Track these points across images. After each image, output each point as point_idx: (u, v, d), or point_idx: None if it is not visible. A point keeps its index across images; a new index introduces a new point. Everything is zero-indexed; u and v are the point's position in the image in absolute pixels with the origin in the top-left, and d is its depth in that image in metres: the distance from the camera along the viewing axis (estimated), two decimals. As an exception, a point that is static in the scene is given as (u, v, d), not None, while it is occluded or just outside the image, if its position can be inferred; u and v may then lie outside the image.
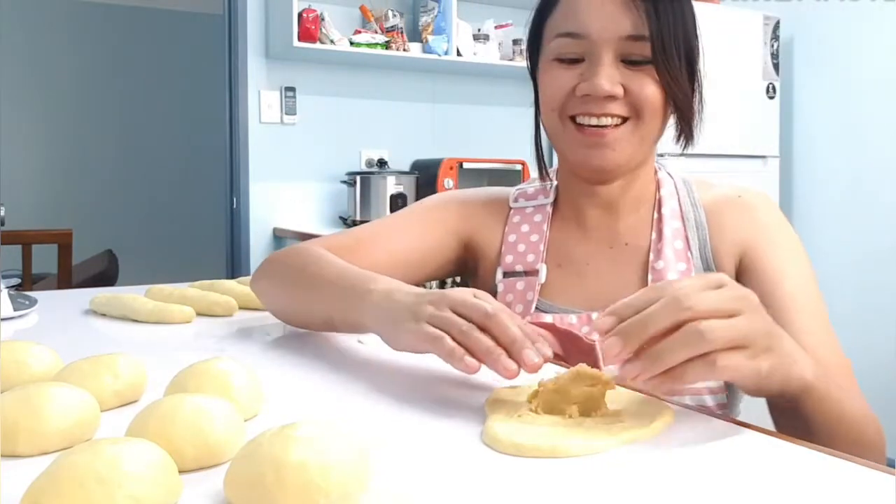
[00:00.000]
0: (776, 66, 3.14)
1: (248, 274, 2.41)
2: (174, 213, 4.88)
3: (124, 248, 3.73)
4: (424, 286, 0.81)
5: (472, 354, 0.59)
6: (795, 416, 0.65)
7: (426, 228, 0.95)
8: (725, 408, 0.84)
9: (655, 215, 0.89)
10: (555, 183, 0.96)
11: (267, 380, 0.63)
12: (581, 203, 0.92)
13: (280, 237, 2.91)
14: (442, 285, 2.11)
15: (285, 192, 2.97)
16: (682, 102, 0.83)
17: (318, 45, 2.77)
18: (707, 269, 0.86)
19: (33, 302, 1.06)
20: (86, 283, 2.74)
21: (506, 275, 0.91)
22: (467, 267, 0.99)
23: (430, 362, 0.71)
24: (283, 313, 0.90)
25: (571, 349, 0.81)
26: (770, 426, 0.63)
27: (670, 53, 0.80)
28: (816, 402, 0.63)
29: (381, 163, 3.05)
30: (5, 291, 1.02)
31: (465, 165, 2.91)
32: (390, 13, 2.98)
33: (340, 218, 2.98)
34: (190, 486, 0.44)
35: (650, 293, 0.55)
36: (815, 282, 0.84)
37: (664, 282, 0.58)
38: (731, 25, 3.03)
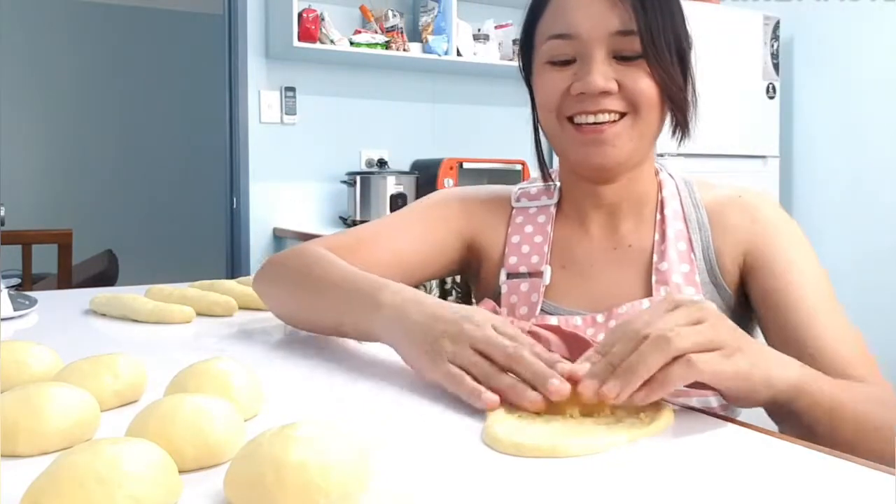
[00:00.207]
0: (776, 66, 3.14)
1: (248, 274, 2.41)
2: (174, 213, 4.88)
3: (124, 248, 3.73)
4: (424, 286, 0.81)
5: (494, 391, 0.60)
6: (795, 423, 0.65)
7: (428, 228, 0.95)
8: (728, 408, 0.84)
9: (658, 216, 0.89)
10: (558, 184, 0.96)
11: (267, 380, 0.63)
12: (584, 204, 0.92)
13: (280, 237, 2.91)
14: (442, 284, 2.11)
15: (285, 192, 2.97)
16: (675, 95, 0.84)
17: (318, 45, 2.77)
18: (710, 270, 0.86)
19: (33, 302, 1.06)
20: (86, 283, 2.74)
21: (509, 276, 0.91)
22: (470, 267, 0.99)
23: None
24: (290, 317, 0.90)
25: (576, 351, 0.81)
26: (770, 426, 0.63)
27: (660, 46, 0.81)
28: (809, 403, 0.63)
29: (381, 163, 3.05)
30: (5, 291, 1.02)
31: (465, 165, 2.91)
32: (390, 13, 2.98)
33: (340, 218, 2.98)
34: (190, 486, 0.44)
35: (610, 336, 0.59)
36: (826, 276, 0.83)
37: (622, 322, 0.60)
38: (731, 25, 3.03)
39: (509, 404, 0.59)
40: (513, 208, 0.97)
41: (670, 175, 0.94)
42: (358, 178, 2.84)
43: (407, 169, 3.06)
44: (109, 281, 2.98)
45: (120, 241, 3.91)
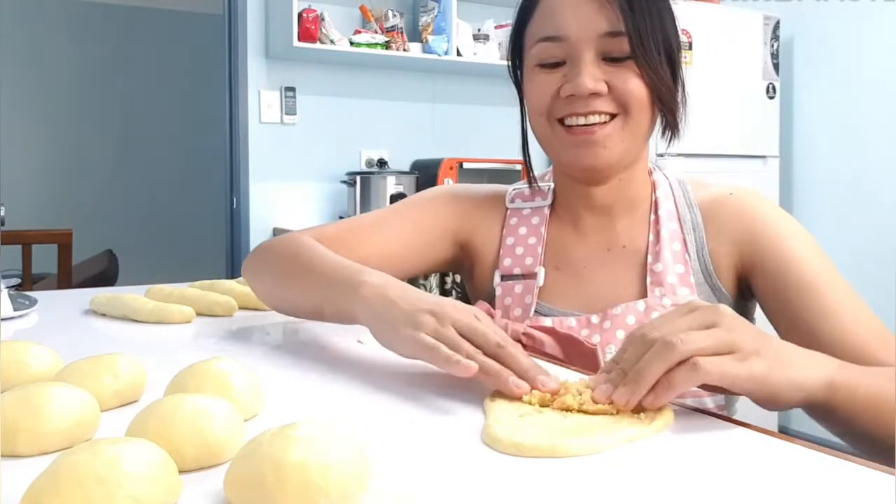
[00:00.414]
0: (776, 66, 3.14)
1: (248, 274, 2.40)
2: (174, 213, 4.88)
3: (124, 248, 3.73)
4: (418, 284, 0.81)
5: (479, 372, 0.60)
6: (834, 420, 0.63)
7: (420, 223, 0.95)
8: (724, 409, 0.84)
9: (652, 217, 0.89)
10: (552, 184, 0.96)
11: (267, 380, 0.63)
12: (577, 205, 0.91)
13: (280, 237, 2.90)
14: (442, 284, 2.11)
15: (285, 192, 2.97)
16: (664, 95, 0.83)
17: (318, 45, 2.77)
18: (705, 270, 0.86)
19: (33, 302, 1.06)
20: (86, 283, 2.74)
21: (503, 278, 0.91)
22: (462, 266, 0.99)
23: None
24: (273, 300, 0.90)
25: (572, 352, 0.81)
26: (770, 426, 0.63)
27: (649, 47, 0.81)
28: (845, 399, 0.60)
29: (381, 163, 3.05)
30: (5, 291, 1.02)
31: (465, 165, 2.91)
32: (390, 13, 2.98)
33: (340, 218, 2.97)
34: (190, 486, 0.44)
35: (624, 342, 0.60)
36: (830, 262, 0.81)
37: (637, 328, 0.60)
38: (731, 25, 3.03)
39: (510, 399, 0.59)
40: (507, 209, 0.96)
41: (664, 175, 0.93)
42: (358, 178, 2.84)
43: (407, 169, 3.06)
44: (109, 281, 2.98)
45: (120, 241, 3.91)
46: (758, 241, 0.84)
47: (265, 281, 0.91)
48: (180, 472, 0.43)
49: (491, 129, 3.30)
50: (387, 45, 2.91)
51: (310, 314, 0.84)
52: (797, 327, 0.78)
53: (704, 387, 0.58)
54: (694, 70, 2.81)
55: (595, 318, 0.85)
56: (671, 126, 0.87)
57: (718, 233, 0.87)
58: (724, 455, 0.51)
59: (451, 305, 0.66)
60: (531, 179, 0.95)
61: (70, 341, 0.89)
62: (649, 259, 0.87)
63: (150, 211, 4.83)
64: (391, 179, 2.82)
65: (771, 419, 3.10)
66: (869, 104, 3.02)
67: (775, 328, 0.82)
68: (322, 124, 3.02)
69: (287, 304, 0.88)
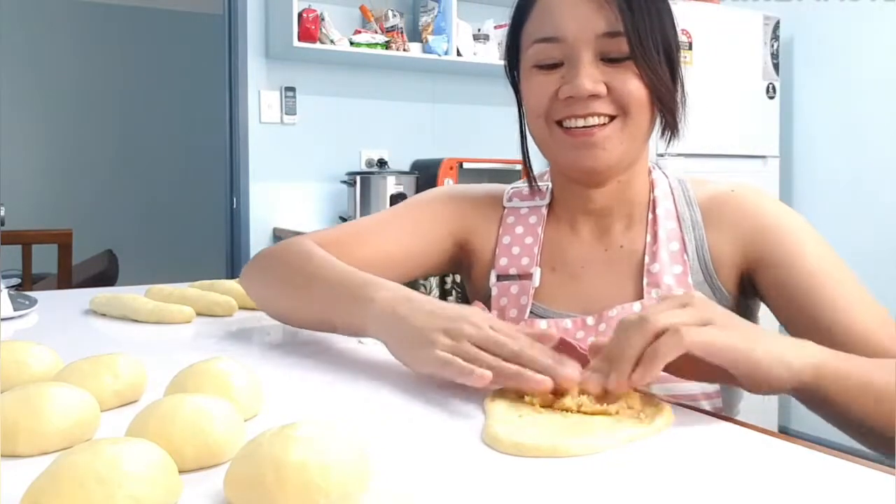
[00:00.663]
0: (776, 66, 3.14)
1: (248, 274, 2.40)
2: (174, 213, 4.88)
3: (124, 248, 3.73)
4: (418, 284, 0.81)
5: (498, 378, 0.61)
6: (829, 409, 0.62)
7: (419, 226, 0.95)
8: (722, 412, 0.83)
9: (650, 216, 0.88)
10: (549, 184, 0.95)
11: (267, 380, 0.63)
12: (575, 207, 0.90)
13: (280, 237, 2.91)
14: (442, 284, 2.11)
15: (285, 192, 2.97)
16: (664, 96, 0.82)
17: (318, 45, 2.77)
18: (704, 269, 0.85)
19: (33, 302, 1.06)
20: (86, 283, 2.74)
21: (499, 278, 0.90)
22: (461, 266, 0.98)
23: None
24: (278, 311, 0.89)
25: (565, 356, 0.81)
26: (770, 426, 0.63)
27: (648, 47, 0.79)
28: (835, 384, 0.60)
29: (381, 163, 3.05)
30: (5, 291, 1.02)
31: (465, 165, 2.91)
32: (390, 13, 2.98)
33: (340, 218, 2.98)
34: (190, 486, 0.44)
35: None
36: (836, 255, 0.81)
37: (624, 317, 0.61)
38: (731, 25, 3.03)
39: (510, 399, 0.59)
40: (504, 208, 0.96)
41: (663, 173, 0.92)
42: (358, 178, 2.84)
43: (407, 169, 3.06)
44: (109, 281, 2.98)
45: (120, 241, 3.91)
46: (763, 237, 0.82)
47: (268, 290, 0.90)
48: (180, 472, 0.43)
49: (491, 129, 3.30)
50: (387, 45, 2.91)
51: (320, 326, 0.83)
52: (804, 321, 0.77)
53: (693, 374, 0.59)
54: (694, 70, 2.81)
55: (591, 321, 0.84)
56: (671, 126, 0.86)
57: (720, 230, 0.86)
58: (724, 455, 0.51)
59: (464, 320, 0.66)
60: (531, 179, 0.94)
61: (70, 341, 0.89)
62: (646, 260, 0.86)
63: (150, 211, 4.83)
64: (391, 179, 2.82)
65: (771, 419, 3.10)
66: (869, 104, 3.02)
67: (782, 324, 0.81)
68: (322, 124, 3.02)
69: (292, 315, 0.86)
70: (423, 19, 3.04)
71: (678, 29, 0.85)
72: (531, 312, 0.87)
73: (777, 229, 0.82)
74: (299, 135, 2.98)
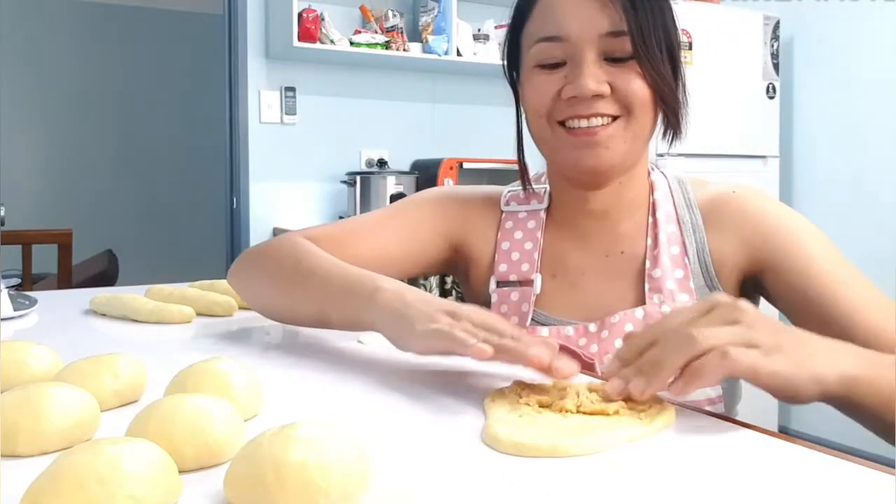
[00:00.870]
0: (776, 66, 3.14)
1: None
2: (174, 213, 4.88)
3: (124, 248, 3.73)
4: (418, 284, 0.81)
5: (497, 354, 0.61)
6: (861, 414, 0.61)
7: (414, 226, 0.94)
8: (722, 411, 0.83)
9: (650, 220, 0.87)
10: (547, 187, 0.94)
11: (267, 380, 0.63)
12: (574, 210, 0.89)
13: (280, 237, 2.91)
14: (442, 284, 2.11)
15: (285, 192, 2.97)
16: (667, 95, 0.81)
17: (318, 45, 2.77)
18: (705, 272, 0.84)
19: (33, 302, 1.06)
20: (86, 283, 2.74)
21: (499, 284, 0.90)
22: (457, 269, 0.97)
23: (430, 362, 0.71)
24: (268, 307, 0.88)
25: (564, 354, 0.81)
26: (770, 426, 0.63)
27: (651, 46, 0.79)
28: (868, 392, 0.58)
29: (381, 163, 3.05)
30: (5, 291, 1.02)
31: (465, 165, 2.91)
32: (390, 13, 2.98)
33: (340, 218, 2.98)
34: (190, 486, 0.44)
35: (648, 335, 0.59)
36: (840, 252, 0.80)
37: (653, 323, 0.60)
38: (731, 25, 3.03)
39: (510, 399, 0.59)
40: (502, 212, 0.95)
41: (663, 174, 0.91)
42: (358, 178, 2.84)
43: (407, 169, 3.06)
44: (109, 281, 2.98)
45: (120, 241, 3.91)
46: (767, 240, 0.82)
47: (259, 286, 0.89)
48: (180, 472, 0.43)
49: (491, 129, 3.30)
50: (387, 45, 2.91)
51: (312, 321, 0.82)
52: (817, 322, 0.76)
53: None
54: (694, 70, 2.81)
55: (593, 327, 0.83)
56: (673, 127, 0.85)
57: (721, 233, 0.85)
58: (724, 455, 0.51)
59: (468, 307, 0.67)
60: (525, 182, 0.93)
61: (70, 341, 0.89)
62: (647, 264, 0.85)
63: (150, 211, 4.83)
64: (391, 179, 2.82)
65: (771, 419, 3.10)
66: (869, 104, 3.02)
67: (795, 325, 0.80)
68: (322, 124, 3.02)
69: (285, 311, 0.86)
70: (423, 19, 3.04)
71: (679, 28, 0.85)
72: (532, 319, 0.86)
73: (782, 232, 0.82)
74: (299, 135, 2.98)
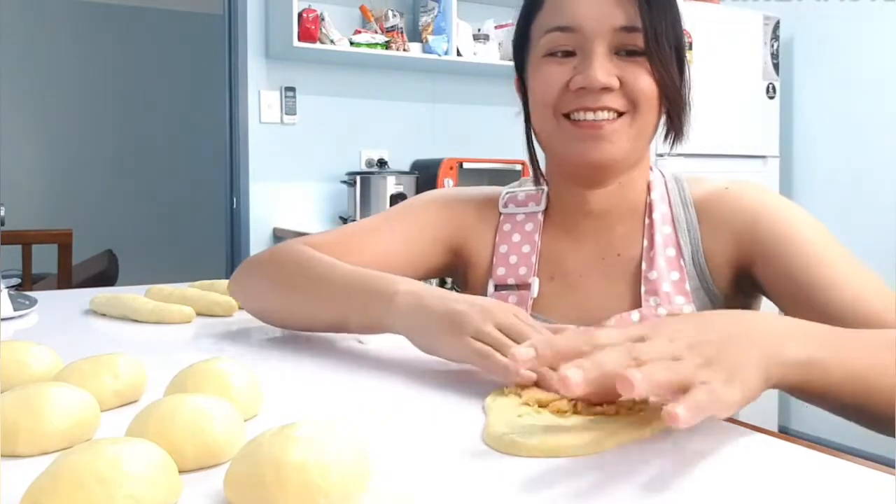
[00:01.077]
0: (776, 66, 3.14)
1: (248, 274, 2.40)
2: (174, 213, 4.88)
3: (124, 248, 3.73)
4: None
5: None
6: (822, 401, 0.58)
7: (413, 230, 0.93)
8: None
9: (646, 221, 0.87)
10: (545, 188, 0.93)
11: (267, 380, 0.63)
12: (573, 211, 0.89)
13: (280, 237, 2.91)
14: (442, 284, 2.11)
15: (285, 192, 2.97)
16: (673, 94, 0.81)
17: (318, 45, 2.77)
18: (700, 273, 0.84)
19: (33, 302, 1.06)
20: (86, 283, 2.74)
21: (497, 288, 0.89)
22: (456, 272, 0.97)
23: (430, 362, 0.71)
24: (278, 316, 0.87)
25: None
26: (770, 426, 0.63)
27: (662, 44, 0.79)
28: (824, 379, 0.55)
29: (381, 163, 3.05)
30: (5, 291, 1.02)
31: (465, 165, 2.91)
32: (390, 13, 2.98)
33: (340, 218, 2.98)
34: (190, 486, 0.44)
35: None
36: (833, 237, 0.78)
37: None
38: (731, 25, 3.03)
39: (510, 399, 0.59)
40: (500, 214, 0.94)
41: (660, 173, 0.91)
42: (358, 178, 2.84)
43: (407, 169, 3.06)
44: (109, 281, 2.98)
45: (120, 241, 3.91)
46: (758, 229, 0.81)
47: (265, 294, 0.88)
48: (180, 472, 0.43)
49: (491, 129, 3.30)
50: (387, 45, 2.91)
51: (329, 327, 0.82)
52: (802, 301, 0.75)
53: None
54: (694, 70, 2.80)
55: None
56: (675, 128, 0.85)
57: (714, 230, 0.84)
58: (724, 455, 0.51)
59: (491, 303, 0.67)
60: (537, 175, 0.92)
61: (70, 341, 0.89)
62: (643, 266, 0.84)
63: (150, 211, 4.83)
64: (391, 179, 2.82)
65: (771, 419, 3.10)
66: (869, 104, 3.02)
67: (782, 311, 0.79)
68: (322, 124, 3.02)
69: (296, 318, 0.85)
70: (423, 19, 3.04)
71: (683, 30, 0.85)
72: None
73: (770, 221, 0.80)
74: (299, 135, 2.98)
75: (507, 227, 0.93)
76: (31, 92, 4.55)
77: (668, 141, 0.87)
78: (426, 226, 0.94)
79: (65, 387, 0.52)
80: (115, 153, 4.76)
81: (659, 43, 0.79)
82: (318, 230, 2.71)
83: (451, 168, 2.88)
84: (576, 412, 0.56)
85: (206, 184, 4.52)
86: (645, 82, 0.80)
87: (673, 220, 0.86)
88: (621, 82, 0.79)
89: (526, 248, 0.90)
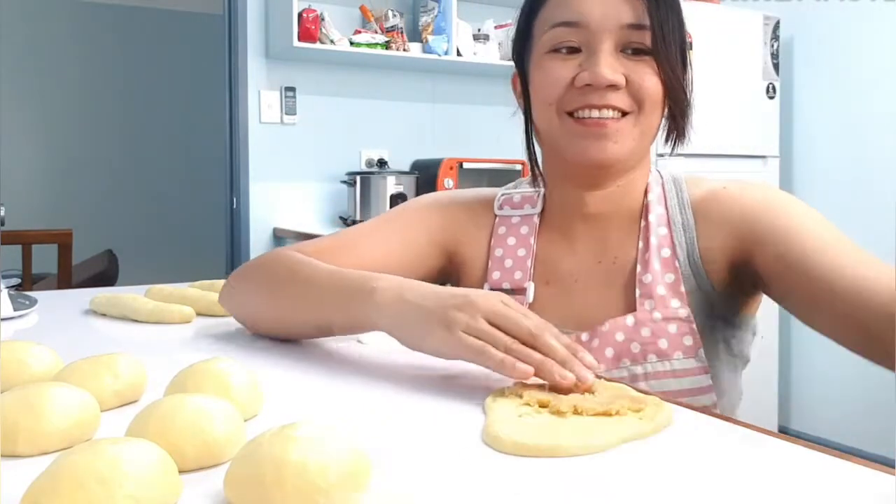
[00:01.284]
0: (776, 66, 3.14)
1: (248, 274, 2.40)
2: (174, 213, 4.89)
3: (124, 248, 3.73)
4: None
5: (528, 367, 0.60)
6: None
7: (407, 237, 0.92)
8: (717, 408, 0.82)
9: (642, 223, 0.85)
10: (542, 190, 0.92)
11: (267, 380, 0.63)
12: (569, 213, 0.88)
13: (280, 237, 2.91)
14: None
15: (285, 192, 2.97)
16: (677, 94, 0.80)
17: (318, 45, 2.77)
18: (696, 274, 0.82)
19: (33, 302, 1.06)
20: (86, 283, 2.74)
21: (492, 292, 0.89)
22: (450, 276, 0.96)
23: (430, 362, 0.71)
24: (264, 323, 0.85)
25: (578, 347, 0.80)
26: (770, 426, 0.63)
27: (669, 44, 0.78)
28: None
29: (381, 163, 3.05)
30: (5, 291, 1.02)
31: (465, 165, 2.91)
32: (390, 13, 2.98)
33: (340, 218, 2.98)
34: (190, 486, 0.44)
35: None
36: (832, 225, 0.76)
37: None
38: (731, 25, 3.03)
39: (510, 399, 0.59)
40: (495, 217, 0.93)
41: (659, 173, 0.90)
42: (358, 178, 2.84)
43: (407, 169, 3.06)
44: (109, 281, 2.98)
45: (120, 241, 3.91)
46: (755, 221, 0.79)
47: (252, 303, 0.86)
48: (180, 472, 0.43)
49: (491, 130, 3.30)
50: (387, 45, 2.91)
51: (315, 331, 0.80)
52: (806, 292, 0.72)
53: None
54: (694, 70, 2.81)
55: (585, 336, 0.82)
56: (678, 129, 0.84)
57: (710, 229, 0.83)
58: (724, 455, 0.51)
59: (476, 294, 0.65)
60: (535, 175, 0.91)
61: (70, 341, 0.89)
62: (638, 269, 0.83)
63: (150, 211, 4.84)
64: (391, 179, 2.82)
65: (771, 419, 3.10)
66: (869, 104, 3.02)
67: (779, 300, 0.77)
68: (322, 124, 3.02)
69: (288, 325, 0.82)
70: (423, 19, 3.04)
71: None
72: None
73: (767, 210, 0.79)
74: (299, 135, 2.98)
75: (502, 229, 0.92)
76: (31, 92, 4.55)
77: (670, 142, 0.85)
78: (421, 230, 0.93)
79: (65, 387, 0.52)
80: (115, 153, 4.76)
81: (666, 42, 0.78)
82: (318, 230, 2.72)
83: (451, 168, 2.88)
84: (576, 412, 0.56)
85: (206, 184, 4.53)
86: (651, 82, 0.79)
87: (669, 222, 0.85)
88: (627, 81, 0.78)
89: (521, 252, 0.89)
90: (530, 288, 0.87)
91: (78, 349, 0.69)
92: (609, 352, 0.81)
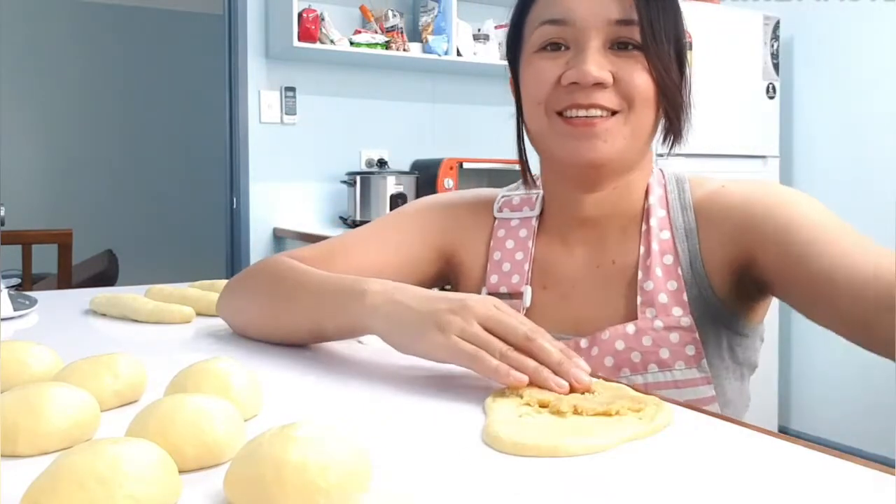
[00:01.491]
0: (776, 66, 3.14)
1: (248, 274, 2.40)
2: (174, 213, 4.89)
3: (124, 248, 3.73)
4: None
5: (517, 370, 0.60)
6: None
7: (404, 240, 0.91)
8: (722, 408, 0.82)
9: (643, 227, 0.83)
10: (540, 193, 0.91)
11: (267, 380, 0.63)
12: (567, 216, 0.86)
13: (280, 237, 2.91)
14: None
15: (285, 192, 2.97)
16: (671, 92, 0.78)
17: (318, 45, 2.77)
18: (698, 280, 0.80)
19: (33, 302, 1.06)
20: (86, 283, 2.74)
21: (490, 295, 0.87)
22: (448, 280, 0.95)
23: (430, 362, 0.71)
24: (259, 330, 0.84)
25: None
26: (770, 426, 0.63)
27: (660, 40, 0.76)
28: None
29: (381, 163, 3.05)
30: (5, 291, 1.02)
31: (465, 165, 2.91)
32: (390, 13, 2.98)
33: (340, 218, 2.98)
34: (190, 486, 0.44)
35: None
36: (833, 214, 0.74)
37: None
38: (731, 25, 3.03)
39: (510, 399, 0.59)
40: (495, 219, 0.92)
41: (661, 173, 0.88)
42: (358, 178, 2.84)
43: (407, 169, 3.06)
44: (109, 281, 2.98)
45: (120, 241, 3.91)
46: (753, 217, 0.77)
47: (246, 310, 0.85)
48: (180, 472, 0.43)
49: (491, 129, 3.30)
50: (387, 45, 2.91)
51: (309, 336, 0.80)
52: (811, 287, 0.70)
53: None
54: (694, 70, 2.81)
55: (584, 342, 0.81)
56: (674, 129, 0.82)
57: (711, 231, 0.81)
58: (724, 455, 0.51)
59: (471, 298, 0.65)
60: (526, 176, 0.90)
61: (70, 341, 0.89)
62: (640, 276, 0.81)
63: (150, 211, 4.84)
64: (391, 179, 2.82)
65: (771, 419, 3.10)
66: (869, 104, 3.02)
67: (783, 297, 0.76)
68: (322, 124, 3.02)
69: (281, 331, 0.82)
70: (423, 19, 3.04)
71: (685, 30, 0.82)
72: None
73: (765, 204, 0.77)
74: (299, 135, 2.98)
75: (501, 232, 0.91)
76: (31, 92, 4.55)
77: (667, 143, 0.84)
78: (418, 234, 0.92)
79: (65, 387, 0.52)
80: (115, 153, 4.76)
81: (656, 37, 0.76)
82: (318, 230, 2.72)
83: (451, 168, 2.88)
84: (576, 412, 0.56)
85: (206, 184, 4.53)
86: (640, 79, 0.77)
87: (671, 225, 0.83)
88: (615, 78, 0.76)
89: (519, 256, 0.88)
90: (527, 293, 0.86)
91: (78, 349, 0.69)
92: (609, 361, 0.80)
